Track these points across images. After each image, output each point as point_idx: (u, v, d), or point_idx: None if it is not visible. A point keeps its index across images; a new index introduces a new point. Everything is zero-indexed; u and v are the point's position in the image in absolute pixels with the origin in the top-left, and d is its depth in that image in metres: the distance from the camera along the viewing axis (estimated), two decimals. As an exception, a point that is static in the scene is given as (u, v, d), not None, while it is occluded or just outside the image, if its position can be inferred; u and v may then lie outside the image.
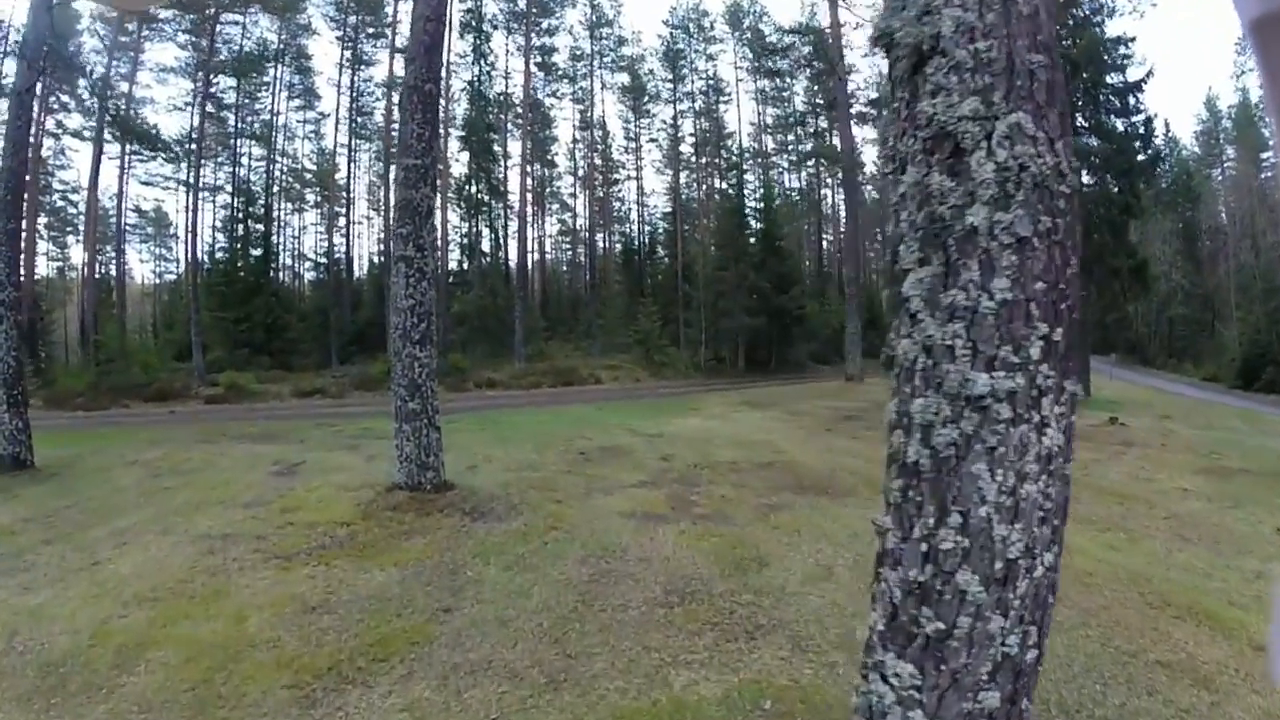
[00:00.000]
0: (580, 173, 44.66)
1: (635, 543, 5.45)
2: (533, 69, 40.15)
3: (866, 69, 40.89)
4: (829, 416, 12.03)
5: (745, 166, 41.67)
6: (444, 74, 36.84)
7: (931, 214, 1.57)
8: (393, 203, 8.02)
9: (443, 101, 36.00)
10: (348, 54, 36.79)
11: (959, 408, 1.54)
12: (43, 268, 35.12)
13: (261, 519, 6.30)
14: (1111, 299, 24.39)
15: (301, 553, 5.33)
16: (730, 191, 38.74)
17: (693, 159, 43.72)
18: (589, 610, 4.26)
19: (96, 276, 33.14)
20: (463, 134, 36.68)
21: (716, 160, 43.58)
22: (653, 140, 45.53)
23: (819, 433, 10.64)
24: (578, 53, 42.47)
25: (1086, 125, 29.85)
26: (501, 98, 39.28)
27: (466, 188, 38.14)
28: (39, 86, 27.51)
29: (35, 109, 28.02)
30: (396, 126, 7.86)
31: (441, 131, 35.72)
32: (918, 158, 1.62)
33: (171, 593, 4.68)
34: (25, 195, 27.78)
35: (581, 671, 3.56)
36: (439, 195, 35.76)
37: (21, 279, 27.67)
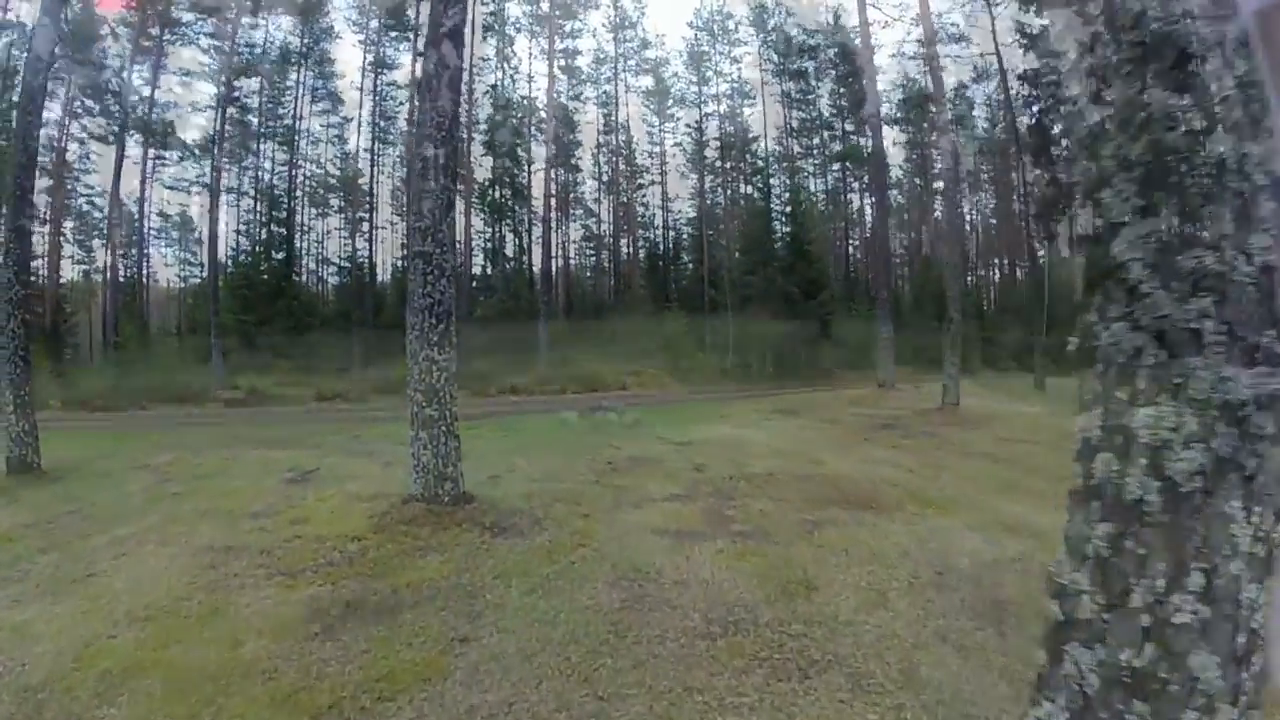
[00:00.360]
0: (604, 177, 44.41)
1: (670, 563, 4.98)
2: (556, 72, 40.05)
3: (893, 71, 40.42)
4: (864, 425, 11.48)
5: (771, 170, 41.24)
6: (467, 76, 36.99)
7: (1156, 144, 1.10)
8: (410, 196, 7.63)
9: (465, 105, 36.20)
10: (370, 58, 36.88)
11: (1209, 420, 1.06)
12: (67, 270, 35.39)
13: (268, 531, 5.92)
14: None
15: (307, 570, 4.92)
16: (756, 195, 38.29)
17: (717, 163, 43.33)
18: (621, 642, 3.80)
19: (121, 279, 33.32)
20: (486, 138, 36.63)
21: (741, 165, 43.19)
22: (677, 144, 45.14)
23: (856, 442, 10.09)
24: (601, 56, 42.33)
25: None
26: (525, 101, 39.22)
27: (490, 192, 38.06)
28: (64, 91, 28.04)
29: (60, 113, 28.47)
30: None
31: (464, 135, 35.84)
32: (1125, 69, 1.16)
33: (165, 611, 4.30)
34: (51, 198, 28.13)
35: (615, 718, 3.11)
36: (463, 200, 36.09)
37: (39, 279, 28.30)
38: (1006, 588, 4.64)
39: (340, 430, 12.29)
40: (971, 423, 11.56)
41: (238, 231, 34.90)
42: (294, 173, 36.21)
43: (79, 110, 30.49)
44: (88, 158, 32.65)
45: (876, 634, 3.93)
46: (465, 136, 35.55)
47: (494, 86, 36.99)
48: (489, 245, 37.57)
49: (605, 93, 42.69)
